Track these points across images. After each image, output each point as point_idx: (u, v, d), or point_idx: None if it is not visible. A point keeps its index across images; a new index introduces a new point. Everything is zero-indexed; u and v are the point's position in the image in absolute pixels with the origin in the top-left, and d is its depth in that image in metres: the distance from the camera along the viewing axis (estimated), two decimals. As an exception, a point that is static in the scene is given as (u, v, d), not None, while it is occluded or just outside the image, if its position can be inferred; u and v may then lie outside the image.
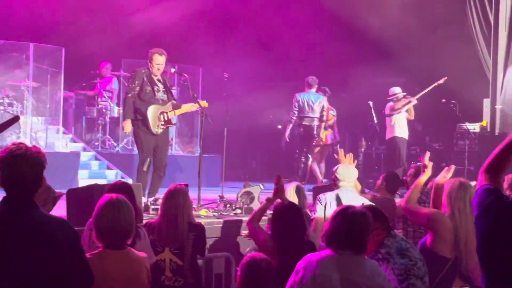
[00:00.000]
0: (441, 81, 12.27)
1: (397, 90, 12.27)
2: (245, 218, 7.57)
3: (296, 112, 11.61)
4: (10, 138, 11.23)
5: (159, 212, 5.29)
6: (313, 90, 11.69)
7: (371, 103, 13.40)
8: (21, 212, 3.21)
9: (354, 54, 15.48)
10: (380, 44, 14.84)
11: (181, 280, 5.11)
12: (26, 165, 3.21)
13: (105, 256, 3.80)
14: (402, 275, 4.26)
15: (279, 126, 16.00)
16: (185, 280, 5.11)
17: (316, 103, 11.61)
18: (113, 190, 4.61)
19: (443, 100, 13.26)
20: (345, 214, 3.90)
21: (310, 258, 3.93)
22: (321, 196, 6.23)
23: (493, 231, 2.94)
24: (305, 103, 11.58)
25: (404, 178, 7.99)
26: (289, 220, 4.95)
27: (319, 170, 12.30)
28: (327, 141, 12.42)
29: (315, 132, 11.66)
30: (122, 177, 11.78)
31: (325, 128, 12.20)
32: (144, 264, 3.97)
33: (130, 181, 11.01)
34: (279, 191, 5.52)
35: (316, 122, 11.65)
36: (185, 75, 9.31)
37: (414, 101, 12.10)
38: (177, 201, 5.20)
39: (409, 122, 12.41)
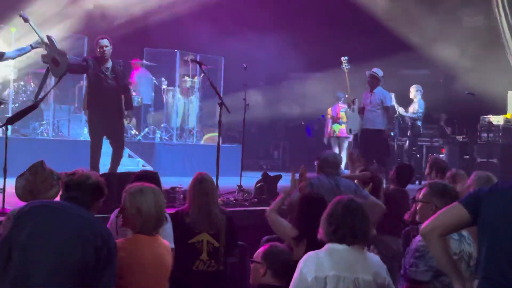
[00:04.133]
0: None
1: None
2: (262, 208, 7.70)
3: None
4: (33, 125, 11.35)
5: (187, 199, 5.32)
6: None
7: (392, 94, 13.28)
8: (66, 203, 3.49)
9: (376, 46, 15.36)
10: (402, 36, 14.75)
11: (215, 266, 5.10)
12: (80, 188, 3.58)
13: (139, 242, 3.87)
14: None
15: (302, 122, 15.99)
16: (217, 266, 5.12)
17: None
18: (141, 179, 4.63)
19: (466, 92, 13.12)
20: (346, 209, 3.81)
21: (316, 255, 3.76)
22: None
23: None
24: None
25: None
26: (317, 212, 4.95)
27: None
28: (340, 134, 13.03)
29: None
30: (144, 166, 11.85)
31: (340, 123, 12.92)
32: (169, 251, 4.05)
33: (151, 169, 11.10)
34: (296, 184, 5.46)
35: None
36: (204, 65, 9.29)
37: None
38: (206, 186, 5.22)
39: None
